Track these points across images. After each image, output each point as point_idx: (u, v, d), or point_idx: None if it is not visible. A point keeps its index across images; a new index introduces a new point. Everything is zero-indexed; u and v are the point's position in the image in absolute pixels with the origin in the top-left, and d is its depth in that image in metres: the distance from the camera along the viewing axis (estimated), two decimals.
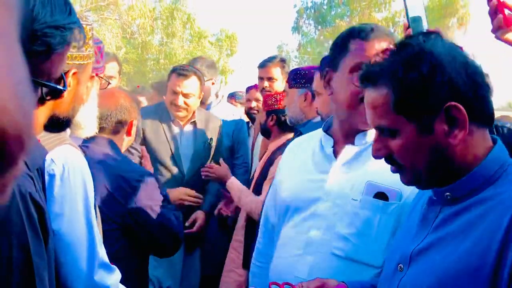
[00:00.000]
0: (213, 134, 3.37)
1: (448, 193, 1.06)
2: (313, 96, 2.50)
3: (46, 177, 1.35)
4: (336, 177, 1.56)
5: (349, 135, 1.59)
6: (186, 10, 26.63)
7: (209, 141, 3.32)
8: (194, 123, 3.33)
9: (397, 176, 1.14)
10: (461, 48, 1.05)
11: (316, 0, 27.89)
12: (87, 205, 1.44)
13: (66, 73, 1.28)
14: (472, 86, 1.01)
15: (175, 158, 3.24)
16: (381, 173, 1.41)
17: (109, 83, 1.88)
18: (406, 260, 1.11)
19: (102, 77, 1.76)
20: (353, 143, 1.57)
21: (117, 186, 2.05)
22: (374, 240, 1.46)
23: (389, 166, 1.14)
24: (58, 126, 1.32)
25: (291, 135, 2.80)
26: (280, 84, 3.56)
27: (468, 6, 24.49)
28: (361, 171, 1.52)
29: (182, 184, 3.18)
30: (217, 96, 4.32)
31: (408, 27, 1.74)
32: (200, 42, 26.13)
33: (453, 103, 0.99)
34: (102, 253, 1.50)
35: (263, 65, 3.61)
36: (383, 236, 1.45)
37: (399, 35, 2.07)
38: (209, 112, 3.67)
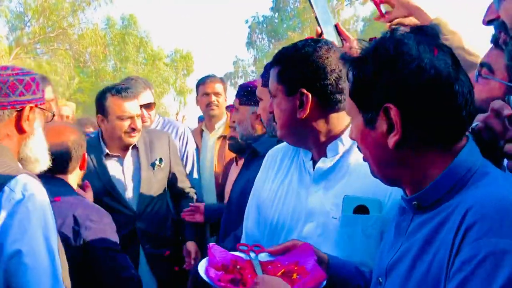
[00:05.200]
0: (162, 152, 2.93)
1: (415, 202, 1.04)
2: None
3: (7, 206, 1.40)
4: (316, 194, 1.48)
5: (321, 146, 1.51)
6: (137, 34, 26.42)
7: (157, 162, 2.89)
8: (135, 148, 2.88)
9: (376, 185, 1.16)
10: (435, 50, 0.97)
11: (267, 14, 28.27)
12: (46, 233, 1.45)
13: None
14: (421, 94, 0.95)
15: (117, 197, 2.73)
16: (360, 183, 1.39)
17: (53, 116, 1.78)
18: (383, 273, 1.09)
19: (44, 109, 1.67)
20: (326, 156, 1.51)
21: (67, 225, 1.93)
22: (361, 255, 1.40)
23: (367, 176, 1.16)
24: None
25: None
26: (223, 99, 3.68)
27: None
28: (340, 184, 1.46)
29: (136, 222, 2.73)
30: (177, 116, 4.25)
31: (321, 33, 1.79)
32: (155, 64, 25.94)
33: (389, 104, 0.98)
34: (66, 283, 1.49)
35: (206, 81, 3.68)
36: (369, 249, 1.38)
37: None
38: (151, 129, 3.23)
